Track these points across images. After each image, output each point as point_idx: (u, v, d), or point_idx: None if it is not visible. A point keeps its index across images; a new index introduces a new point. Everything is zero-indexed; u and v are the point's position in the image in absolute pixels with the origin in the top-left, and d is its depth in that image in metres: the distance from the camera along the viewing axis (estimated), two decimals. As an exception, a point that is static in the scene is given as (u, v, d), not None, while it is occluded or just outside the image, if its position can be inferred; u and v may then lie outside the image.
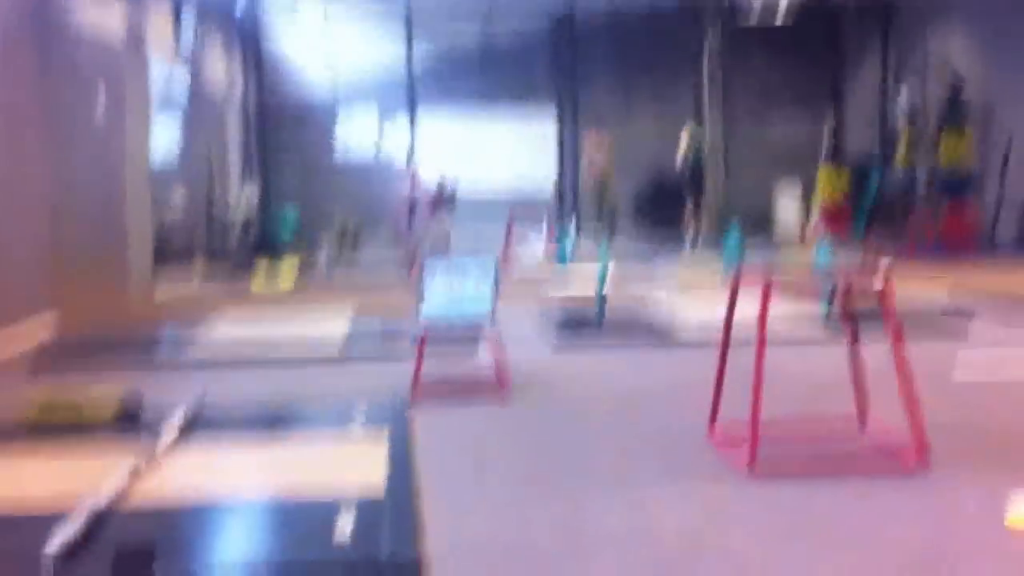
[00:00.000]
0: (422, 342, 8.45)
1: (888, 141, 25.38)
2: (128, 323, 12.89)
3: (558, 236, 17.19)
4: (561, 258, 15.91)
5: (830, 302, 11.20)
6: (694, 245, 23.31)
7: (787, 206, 26.58)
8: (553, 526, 5.20)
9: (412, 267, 14.77)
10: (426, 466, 6.26)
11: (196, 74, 21.31)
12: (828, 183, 24.79)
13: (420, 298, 8.52)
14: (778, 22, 26.53)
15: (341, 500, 5.41)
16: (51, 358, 10.55)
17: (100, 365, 10.22)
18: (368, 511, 5.19)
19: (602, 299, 11.85)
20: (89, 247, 13.74)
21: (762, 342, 6.03)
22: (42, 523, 4.96)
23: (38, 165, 12.26)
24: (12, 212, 11.55)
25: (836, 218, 23.83)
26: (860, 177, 25.12)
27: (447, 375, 8.92)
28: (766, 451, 6.04)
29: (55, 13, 12.95)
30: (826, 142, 26.90)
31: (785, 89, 27.36)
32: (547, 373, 9.49)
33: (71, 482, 5.98)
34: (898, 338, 6.08)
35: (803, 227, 25.38)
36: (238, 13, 25.63)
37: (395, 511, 5.24)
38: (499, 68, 27.07)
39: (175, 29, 19.52)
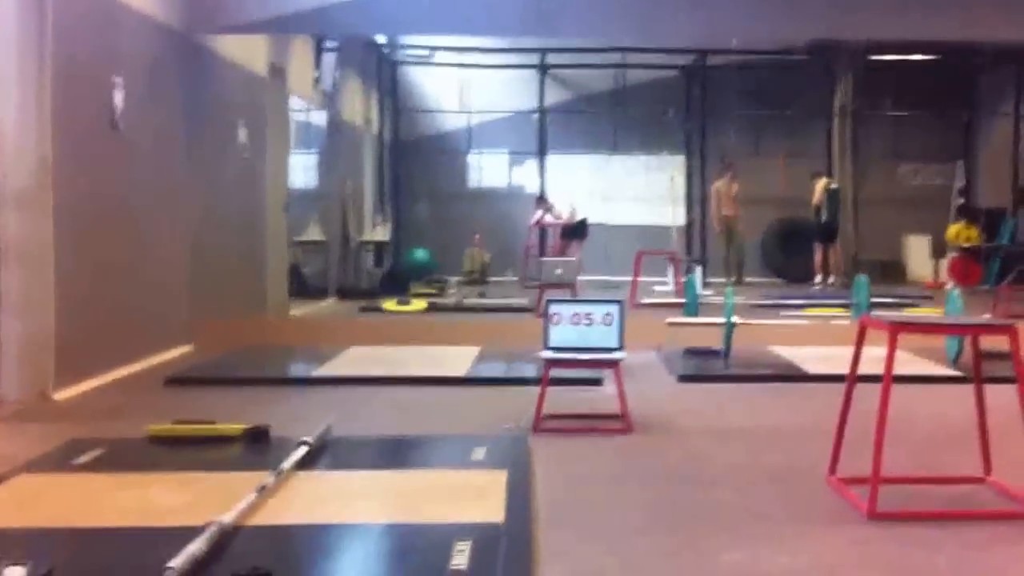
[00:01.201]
0: (546, 372, 8.48)
1: (1021, 190, 25.05)
2: (263, 344, 13.09)
3: (685, 280, 17.12)
4: (689, 307, 15.83)
5: (959, 346, 11.14)
6: (823, 289, 23.19)
7: (917, 254, 26.35)
8: (668, 564, 5.19)
9: (539, 301, 14.80)
10: (545, 498, 6.27)
11: (334, 111, 21.56)
12: (959, 233, 24.51)
13: (546, 331, 8.54)
14: (912, 59, 26.27)
15: (459, 528, 5.42)
16: (187, 377, 10.75)
17: (234, 382, 10.49)
18: (485, 540, 5.20)
19: (729, 331, 11.82)
20: (229, 277, 13.99)
21: (887, 385, 5.98)
22: (168, 537, 5.05)
23: (181, 195, 12.51)
24: (155, 242, 11.80)
25: (966, 267, 23.55)
26: (992, 226, 24.85)
27: (570, 406, 8.94)
28: (887, 495, 5.98)
29: (201, 46, 13.21)
30: (956, 194, 26.64)
31: (917, 136, 27.09)
32: (671, 406, 9.52)
33: (199, 497, 6.11)
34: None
35: (933, 276, 25.16)
36: (377, 54, 25.88)
37: (512, 541, 5.24)
38: (630, 115, 27.09)
39: (316, 66, 19.79)
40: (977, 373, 6.58)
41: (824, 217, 24.21)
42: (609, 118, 27.25)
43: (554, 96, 27.93)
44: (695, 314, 15.42)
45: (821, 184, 24.25)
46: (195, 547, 4.80)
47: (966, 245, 24.22)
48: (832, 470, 6.62)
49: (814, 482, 6.63)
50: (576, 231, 25.69)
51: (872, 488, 5.89)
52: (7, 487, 6.41)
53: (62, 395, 9.62)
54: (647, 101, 27.28)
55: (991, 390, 6.58)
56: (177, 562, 4.59)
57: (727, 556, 5.28)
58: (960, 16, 14.15)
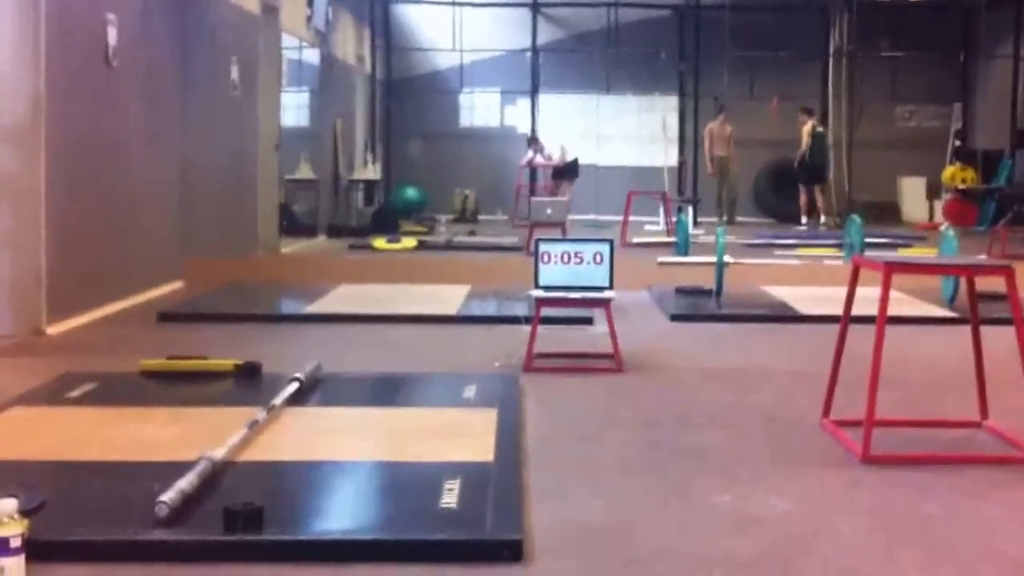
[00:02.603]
0: (537, 311, 8.47)
1: (1019, 132, 24.98)
2: (254, 281, 13.10)
3: (677, 220, 17.12)
4: (680, 247, 15.85)
5: (955, 287, 11.12)
6: (813, 230, 23.21)
7: (912, 196, 26.35)
8: (657, 505, 5.19)
9: (529, 240, 14.78)
10: (535, 437, 6.27)
11: (326, 49, 21.46)
12: (955, 175, 24.49)
13: (537, 270, 8.51)
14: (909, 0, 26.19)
15: (449, 466, 5.43)
16: (179, 313, 10.78)
17: (225, 319, 10.50)
18: (475, 479, 5.19)
19: (721, 270, 11.80)
20: (219, 212, 13.98)
21: (881, 328, 5.95)
22: (159, 471, 5.05)
23: (172, 132, 12.48)
24: (146, 179, 11.77)
25: (962, 208, 23.54)
26: (989, 168, 24.82)
27: (561, 346, 8.92)
28: (881, 438, 5.97)
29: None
30: (953, 137, 26.60)
31: (914, 77, 26.99)
32: (663, 345, 9.54)
33: (191, 432, 6.12)
34: (1022, 328, 5.99)
35: (928, 217, 25.16)
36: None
37: (501, 481, 5.23)
38: (622, 55, 26.96)
39: (308, 4, 19.68)
40: (974, 315, 6.56)
41: (808, 159, 24.20)
42: (602, 58, 27.10)
43: (547, 35, 27.78)
44: (686, 254, 15.45)
45: (807, 128, 24.22)
46: (186, 481, 4.79)
47: (962, 187, 24.19)
48: (826, 413, 6.60)
49: (807, 425, 6.63)
50: (567, 171, 25.64)
51: (866, 431, 5.88)
52: (0, 420, 6.41)
53: (55, 330, 9.62)
54: (640, 41, 27.11)
55: (988, 332, 6.55)
56: (168, 496, 4.58)
57: (717, 498, 5.28)
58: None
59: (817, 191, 24.39)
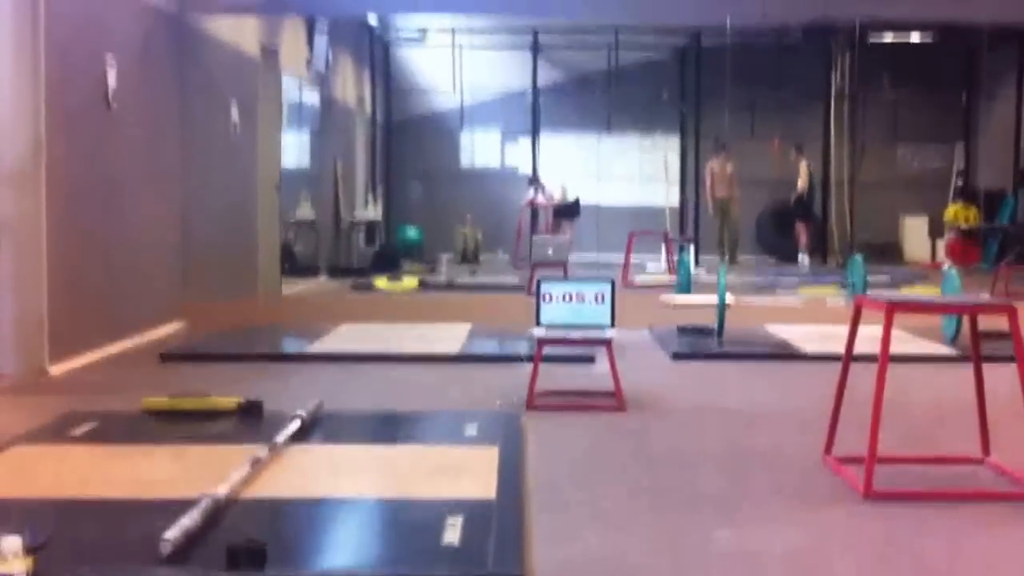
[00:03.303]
0: (539, 350, 8.48)
1: (1020, 172, 25.03)
2: (255, 321, 13.14)
3: (679, 259, 17.16)
4: (682, 285, 15.87)
5: (957, 326, 11.14)
6: (816, 268, 23.25)
7: (914, 236, 26.38)
8: (659, 544, 5.18)
9: (531, 280, 14.80)
10: (537, 475, 6.28)
11: (327, 91, 21.53)
12: (957, 214, 24.52)
13: (538, 309, 8.53)
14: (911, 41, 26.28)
15: (451, 504, 5.42)
16: (181, 353, 10.82)
17: (227, 358, 10.54)
18: (477, 517, 5.19)
19: (722, 309, 11.81)
20: (219, 254, 14.01)
21: (883, 366, 5.96)
22: (163, 509, 5.05)
23: (172, 174, 12.54)
24: (147, 221, 11.82)
25: (965, 247, 23.57)
26: (991, 207, 24.86)
27: (563, 384, 8.94)
28: (884, 475, 5.98)
29: (192, 27, 13.20)
30: (956, 176, 26.65)
31: (916, 117, 27.07)
32: (664, 384, 9.55)
33: (193, 470, 6.12)
34: None
35: (931, 256, 25.19)
36: (369, 34, 25.83)
37: (503, 519, 5.23)
38: (623, 95, 27.02)
39: (308, 47, 19.75)
40: (976, 352, 6.56)
41: (804, 196, 24.40)
42: (603, 98, 27.17)
43: (547, 76, 27.82)
44: (688, 293, 15.44)
45: (803, 165, 24.37)
46: (189, 519, 4.80)
47: (964, 226, 24.23)
48: (828, 450, 6.60)
49: (809, 462, 6.62)
50: (568, 211, 25.70)
51: (868, 468, 5.88)
52: (4, 458, 6.43)
53: (57, 369, 9.66)
54: (641, 82, 27.18)
55: (989, 370, 6.55)
56: (172, 534, 4.59)
57: (718, 535, 5.27)
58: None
59: (804, 228, 24.49)
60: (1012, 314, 6.09)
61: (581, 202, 25.95)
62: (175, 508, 4.95)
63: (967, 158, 27.27)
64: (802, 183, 24.44)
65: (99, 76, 10.70)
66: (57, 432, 7.12)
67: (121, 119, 11.14)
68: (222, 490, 5.32)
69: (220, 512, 5.13)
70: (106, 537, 5.01)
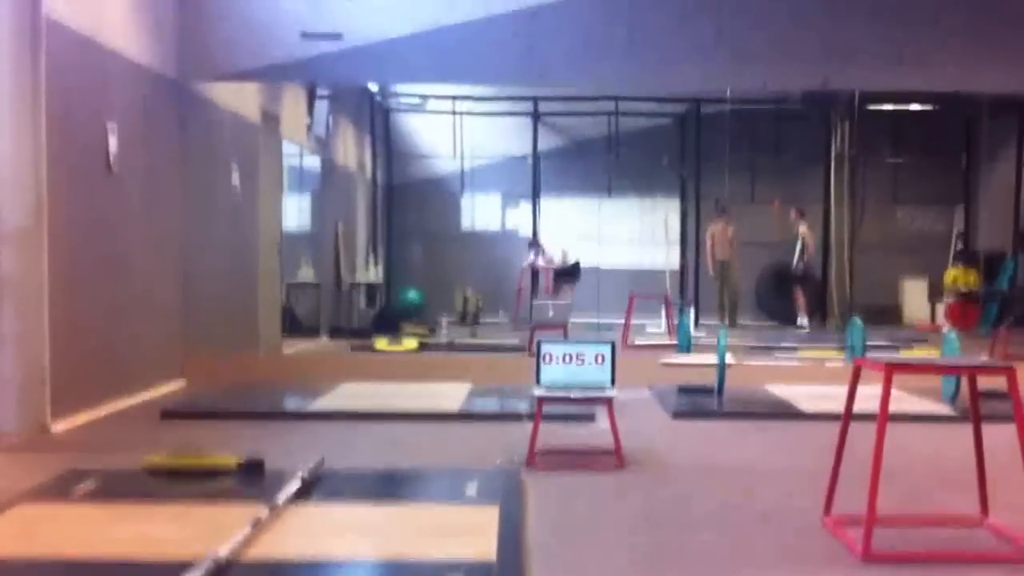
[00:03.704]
0: (539, 408, 8.48)
1: (1020, 235, 25.10)
2: (256, 379, 13.18)
3: (678, 321, 17.22)
4: (682, 346, 15.92)
5: (956, 388, 11.16)
6: (817, 331, 23.27)
7: (914, 298, 26.42)
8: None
9: (531, 341, 14.82)
10: (537, 535, 6.27)
11: (327, 155, 21.63)
12: (957, 278, 24.57)
13: (538, 370, 8.55)
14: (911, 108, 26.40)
15: (451, 565, 5.42)
16: (182, 410, 10.84)
17: (228, 416, 10.57)
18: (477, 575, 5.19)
19: (722, 369, 11.82)
20: (220, 313, 14.07)
21: (882, 427, 5.97)
22: (164, 569, 5.05)
23: (173, 235, 12.61)
24: (148, 281, 11.88)
25: (964, 311, 23.60)
26: (991, 270, 24.91)
27: (563, 443, 8.95)
28: (883, 536, 5.97)
29: (193, 92, 13.31)
30: (955, 239, 26.72)
31: (915, 181, 27.19)
32: (664, 443, 9.57)
33: (194, 530, 6.11)
34: (1023, 426, 6.01)
35: (930, 319, 25.21)
36: (370, 100, 25.95)
37: (505, 576, 5.25)
38: (624, 161, 27.14)
39: (308, 112, 19.85)
40: (975, 413, 6.57)
41: (803, 260, 24.47)
42: (603, 163, 27.28)
43: (548, 142, 27.94)
44: (688, 353, 15.47)
45: (804, 229, 24.44)
46: (191, 578, 4.80)
47: (964, 290, 24.29)
48: (827, 511, 6.60)
49: (808, 523, 6.62)
50: (568, 273, 25.78)
51: (867, 529, 5.87)
52: (6, 517, 6.43)
53: (59, 427, 9.70)
54: (641, 147, 27.31)
55: (989, 430, 6.56)
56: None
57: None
58: (955, 69, 14.21)
59: (802, 291, 24.56)
60: (1011, 375, 6.12)
61: (581, 265, 26.02)
62: (177, 569, 4.95)
63: (967, 221, 27.36)
64: (809, 248, 24.53)
65: (100, 141, 10.80)
66: (59, 490, 7.12)
67: (122, 181, 11.24)
68: (223, 551, 5.32)
69: (221, 573, 5.13)
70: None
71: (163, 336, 12.41)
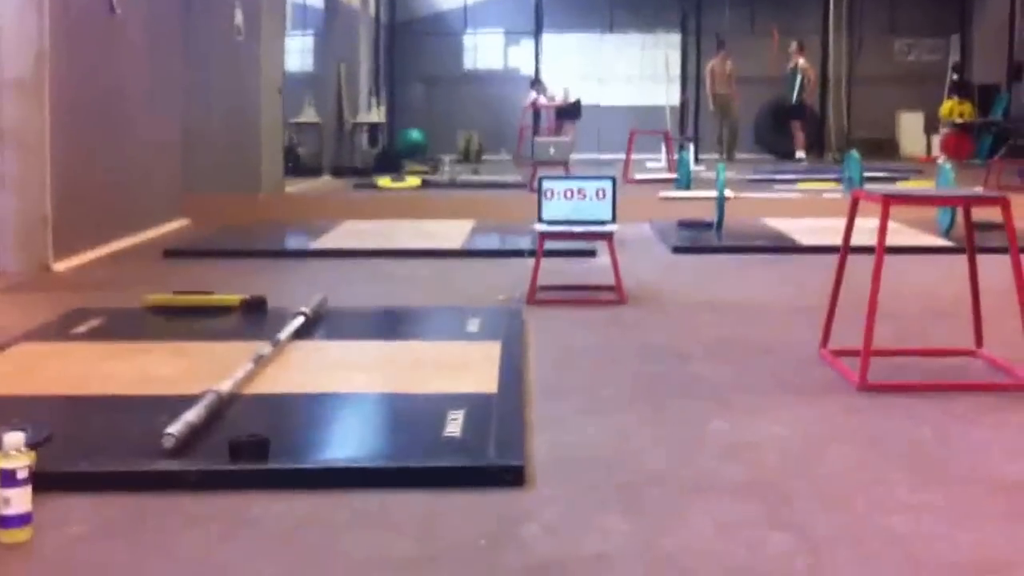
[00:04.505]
0: (540, 244, 8.52)
1: (1016, 65, 25.00)
2: (258, 217, 13.23)
3: (679, 157, 17.22)
4: (682, 181, 15.93)
5: (951, 219, 11.19)
6: (814, 164, 23.32)
7: (910, 131, 26.40)
8: (655, 433, 5.25)
9: (533, 178, 14.83)
10: (538, 369, 6.34)
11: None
12: (952, 109, 24.52)
13: (540, 205, 8.57)
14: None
15: (452, 398, 5.48)
16: (184, 250, 10.93)
17: (230, 256, 10.62)
18: (478, 410, 5.25)
19: (721, 203, 11.83)
20: (222, 153, 14.07)
21: (879, 260, 6.00)
22: (165, 404, 5.10)
23: (175, 75, 12.58)
24: (149, 122, 11.87)
25: (959, 142, 23.59)
26: (985, 102, 24.85)
27: (565, 278, 9.01)
28: (879, 367, 6.03)
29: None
30: (951, 70, 26.64)
31: (913, 9, 27.04)
32: (664, 277, 9.67)
33: (196, 367, 6.16)
34: (1017, 256, 6.04)
35: (926, 151, 25.20)
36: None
37: (504, 411, 5.29)
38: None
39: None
40: (970, 244, 6.59)
41: (801, 93, 24.46)
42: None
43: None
44: (688, 189, 15.49)
45: (803, 62, 24.38)
46: (192, 414, 4.84)
47: (959, 121, 24.25)
48: (824, 343, 6.66)
49: (806, 355, 6.68)
50: (570, 112, 25.74)
51: (863, 360, 5.94)
52: (7, 356, 6.48)
53: (61, 266, 9.76)
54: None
55: (983, 261, 6.60)
56: (174, 428, 4.64)
57: (714, 425, 5.34)
58: None
59: (800, 126, 24.56)
60: (1005, 206, 6.14)
61: (582, 103, 25.96)
62: (178, 404, 4.99)
63: (962, 52, 27.26)
64: (811, 82, 24.49)
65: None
66: (60, 329, 7.18)
67: (125, 24, 11.19)
68: (225, 386, 5.37)
69: (223, 407, 5.18)
70: (109, 432, 5.06)
71: (166, 178, 12.43)
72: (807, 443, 5.11)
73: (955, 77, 26.64)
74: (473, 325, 7.29)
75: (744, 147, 25.99)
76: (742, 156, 25.13)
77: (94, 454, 4.67)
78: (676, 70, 27.69)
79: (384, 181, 18.42)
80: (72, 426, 5.17)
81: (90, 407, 5.50)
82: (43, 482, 4.08)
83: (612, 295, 8.41)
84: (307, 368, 6.28)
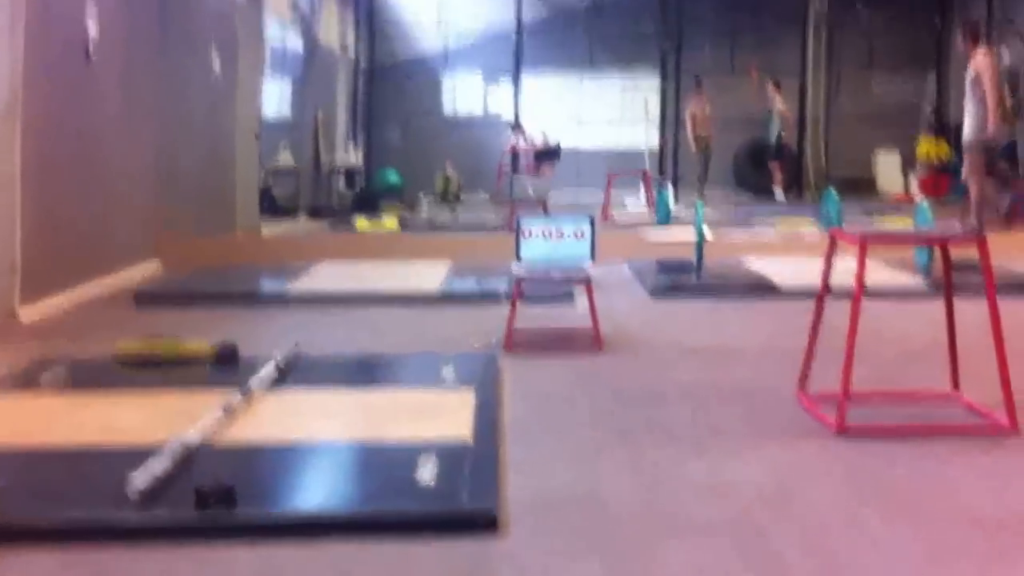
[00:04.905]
0: (516, 290, 8.45)
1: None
2: (232, 259, 13.11)
3: (657, 195, 17.24)
4: (661, 218, 15.92)
5: (929, 257, 11.17)
6: (794, 203, 23.39)
7: (887, 169, 26.50)
8: (631, 478, 5.20)
9: (511, 217, 14.79)
10: (513, 415, 6.28)
11: (310, 34, 21.45)
12: (929, 148, 24.60)
13: (517, 248, 8.51)
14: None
15: (426, 445, 5.41)
16: (156, 294, 10.79)
17: (203, 301, 10.46)
18: (452, 457, 5.19)
19: (700, 246, 11.77)
20: (197, 195, 14.01)
21: (857, 302, 5.96)
22: (132, 455, 5.01)
23: (153, 121, 12.53)
24: (123, 165, 11.81)
25: (936, 181, 23.65)
26: (961, 140, 24.93)
27: (541, 324, 8.93)
28: (857, 410, 6.00)
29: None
30: (927, 109, 26.77)
31: (889, 51, 27.19)
32: (643, 322, 9.59)
33: (165, 416, 6.05)
34: (993, 298, 6.01)
35: (904, 190, 25.28)
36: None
37: (478, 458, 5.23)
38: (605, 32, 27.04)
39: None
40: (947, 285, 6.56)
41: (775, 135, 24.54)
42: (585, 34, 27.19)
43: (531, 12, 27.85)
44: (667, 225, 15.50)
45: (780, 101, 24.45)
46: (158, 464, 4.77)
47: (936, 163, 24.33)
48: (802, 386, 6.61)
49: (783, 398, 6.63)
50: (549, 155, 25.75)
51: (841, 404, 5.90)
52: (-29, 407, 6.37)
53: (28, 312, 9.48)
54: (623, 16, 27.23)
55: (962, 301, 6.55)
56: (139, 477, 4.56)
57: (691, 468, 5.31)
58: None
59: (778, 165, 24.64)
60: (982, 245, 6.10)
61: (561, 147, 26.03)
62: (145, 454, 4.91)
63: (939, 90, 27.39)
64: (788, 123, 24.60)
65: (80, 26, 10.66)
66: (25, 379, 7.07)
67: (101, 68, 11.11)
68: (192, 435, 5.30)
69: (190, 457, 5.10)
70: (72, 482, 4.97)
71: (139, 221, 12.31)
72: (783, 486, 5.07)
73: (931, 116, 26.76)
74: (448, 372, 7.22)
75: (724, 185, 26.04)
76: (722, 193, 25.17)
77: (57, 505, 4.59)
78: (656, 111, 27.77)
79: (361, 223, 18.37)
80: (36, 477, 5.07)
81: (54, 458, 5.38)
82: (3, 534, 4.00)
83: (589, 342, 8.33)
84: (278, 417, 6.20)
